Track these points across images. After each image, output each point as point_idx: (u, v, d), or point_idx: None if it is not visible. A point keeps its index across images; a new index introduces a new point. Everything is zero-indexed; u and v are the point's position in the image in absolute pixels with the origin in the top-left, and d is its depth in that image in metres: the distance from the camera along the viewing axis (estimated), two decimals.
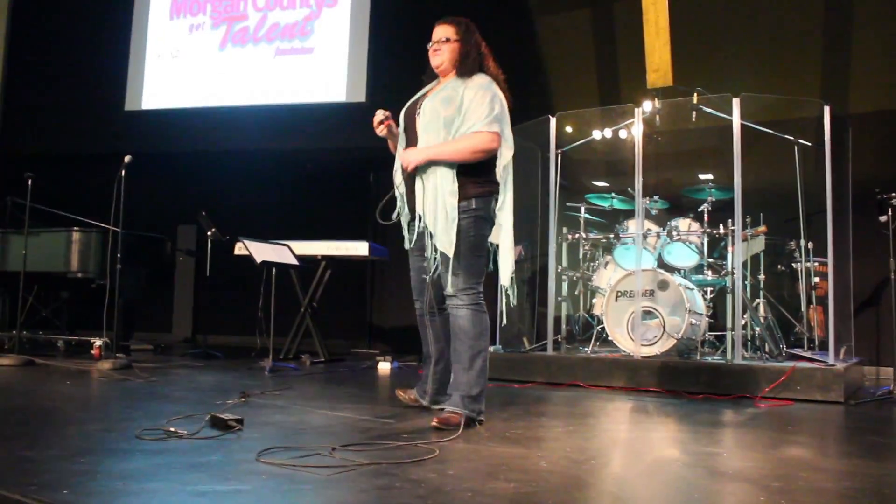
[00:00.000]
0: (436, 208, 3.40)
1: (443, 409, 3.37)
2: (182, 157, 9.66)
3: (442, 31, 3.62)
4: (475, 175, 3.41)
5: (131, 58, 9.84)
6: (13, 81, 10.24)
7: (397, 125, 3.71)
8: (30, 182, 5.88)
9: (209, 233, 7.29)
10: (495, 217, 3.48)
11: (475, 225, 3.39)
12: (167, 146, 9.50)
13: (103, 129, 9.63)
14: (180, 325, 10.43)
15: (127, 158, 5.72)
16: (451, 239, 3.34)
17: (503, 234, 3.52)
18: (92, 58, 9.79)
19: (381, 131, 3.67)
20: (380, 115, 3.66)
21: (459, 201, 3.36)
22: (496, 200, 3.50)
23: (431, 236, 3.45)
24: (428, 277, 3.60)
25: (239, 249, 6.62)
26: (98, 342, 5.91)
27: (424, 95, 3.66)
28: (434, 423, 3.22)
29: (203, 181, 9.84)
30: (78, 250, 6.39)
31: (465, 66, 3.53)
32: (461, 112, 3.42)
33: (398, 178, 3.67)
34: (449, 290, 3.39)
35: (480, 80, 3.49)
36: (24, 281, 5.94)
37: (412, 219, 3.60)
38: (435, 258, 3.49)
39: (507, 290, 3.66)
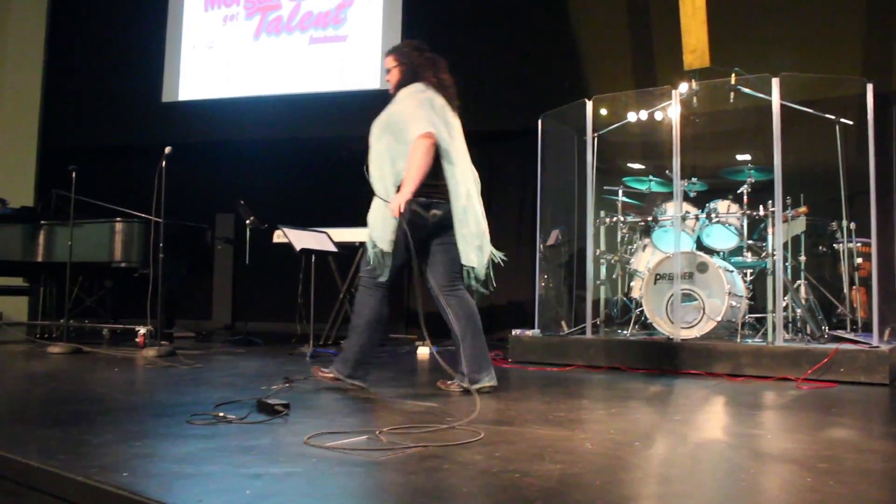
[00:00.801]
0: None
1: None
2: (219, 147, 9.78)
3: (387, 63, 4.10)
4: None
5: (167, 50, 9.97)
6: (54, 78, 10.42)
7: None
8: (73, 175, 6.01)
9: (248, 221, 7.37)
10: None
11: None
12: (204, 136, 9.62)
13: (142, 122, 9.78)
14: (220, 312, 10.58)
15: (167, 149, 5.80)
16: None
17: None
18: (129, 51, 9.94)
19: None
20: None
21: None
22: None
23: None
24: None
25: (278, 237, 6.70)
26: (142, 330, 6.02)
27: None
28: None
29: (240, 170, 9.96)
30: (121, 240, 6.50)
31: (400, 86, 3.96)
32: (391, 129, 3.85)
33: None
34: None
35: (401, 95, 3.90)
36: (69, 271, 6.07)
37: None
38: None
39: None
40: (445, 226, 3.83)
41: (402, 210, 3.65)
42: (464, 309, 3.86)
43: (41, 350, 5.90)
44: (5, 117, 10.38)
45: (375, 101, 8.82)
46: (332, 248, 6.43)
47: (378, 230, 3.83)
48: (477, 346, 3.83)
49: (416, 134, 3.67)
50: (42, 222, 6.71)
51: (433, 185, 3.76)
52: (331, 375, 3.91)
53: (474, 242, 3.85)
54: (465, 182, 3.83)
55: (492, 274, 4.00)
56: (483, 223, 3.91)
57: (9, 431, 2.70)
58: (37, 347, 6.21)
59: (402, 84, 3.97)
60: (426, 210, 3.77)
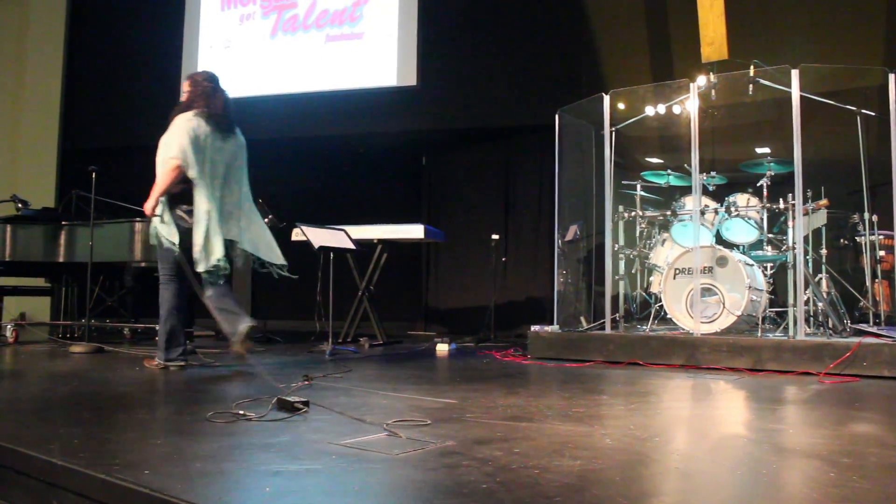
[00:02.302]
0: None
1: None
2: None
3: (183, 87, 4.93)
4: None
5: (184, 50, 10.02)
6: (73, 81, 10.52)
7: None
8: (94, 175, 6.05)
9: (266, 219, 7.39)
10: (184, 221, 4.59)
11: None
12: None
13: (161, 122, 9.77)
14: None
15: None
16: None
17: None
18: (147, 52, 10.00)
19: None
20: None
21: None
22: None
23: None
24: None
25: (296, 235, 6.72)
26: None
27: None
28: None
29: (258, 169, 9.92)
30: (141, 240, 6.53)
31: (178, 111, 4.75)
32: (161, 147, 4.62)
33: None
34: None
35: (175, 120, 4.67)
36: (90, 271, 6.12)
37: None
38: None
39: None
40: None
41: (152, 212, 4.54)
42: (181, 297, 4.75)
43: (63, 350, 5.96)
44: (27, 120, 10.50)
45: (392, 98, 8.98)
46: (351, 246, 6.44)
47: (164, 232, 4.59)
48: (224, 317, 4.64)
49: (168, 156, 4.50)
50: (63, 223, 6.77)
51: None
52: (155, 363, 4.71)
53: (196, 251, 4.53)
54: (203, 204, 4.55)
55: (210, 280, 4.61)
56: (212, 240, 4.54)
57: (32, 430, 2.72)
58: (59, 347, 6.27)
59: (180, 110, 4.74)
60: (189, 216, 4.60)
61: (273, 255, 5.00)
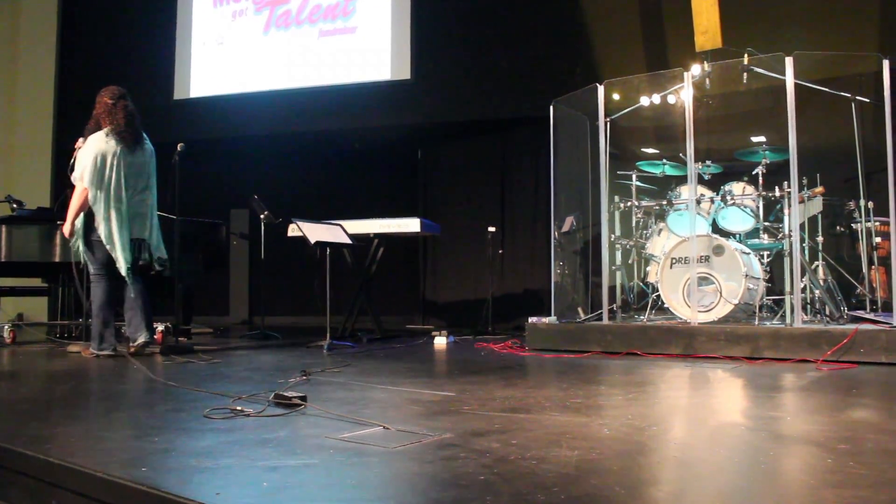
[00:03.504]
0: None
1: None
2: (232, 143, 9.82)
3: (96, 104, 5.27)
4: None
5: (177, 48, 10.00)
6: (66, 80, 10.48)
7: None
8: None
9: (262, 216, 7.40)
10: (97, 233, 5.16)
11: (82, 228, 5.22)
12: (217, 132, 9.66)
13: (155, 120, 9.75)
14: (237, 307, 10.65)
15: (180, 146, 5.80)
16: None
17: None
18: (139, 50, 9.98)
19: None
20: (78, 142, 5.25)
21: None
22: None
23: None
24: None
25: (292, 231, 6.72)
26: (160, 327, 6.06)
27: None
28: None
29: (253, 165, 10.00)
30: None
31: (90, 131, 5.26)
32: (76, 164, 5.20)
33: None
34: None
35: (88, 140, 5.19)
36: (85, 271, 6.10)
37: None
38: None
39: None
40: None
41: (70, 234, 5.23)
42: (110, 293, 5.27)
43: (61, 349, 5.95)
44: (20, 120, 10.48)
45: (387, 92, 8.97)
46: (347, 241, 6.44)
47: (83, 250, 5.24)
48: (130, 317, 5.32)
49: (78, 180, 5.12)
50: (58, 222, 6.74)
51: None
52: (88, 352, 5.24)
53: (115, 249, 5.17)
54: (106, 209, 5.14)
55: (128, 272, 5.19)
56: (115, 235, 5.15)
57: (30, 429, 2.72)
58: (56, 347, 6.26)
59: (90, 130, 5.24)
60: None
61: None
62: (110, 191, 5.14)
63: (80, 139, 5.27)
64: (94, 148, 5.14)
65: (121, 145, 5.19)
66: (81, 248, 5.22)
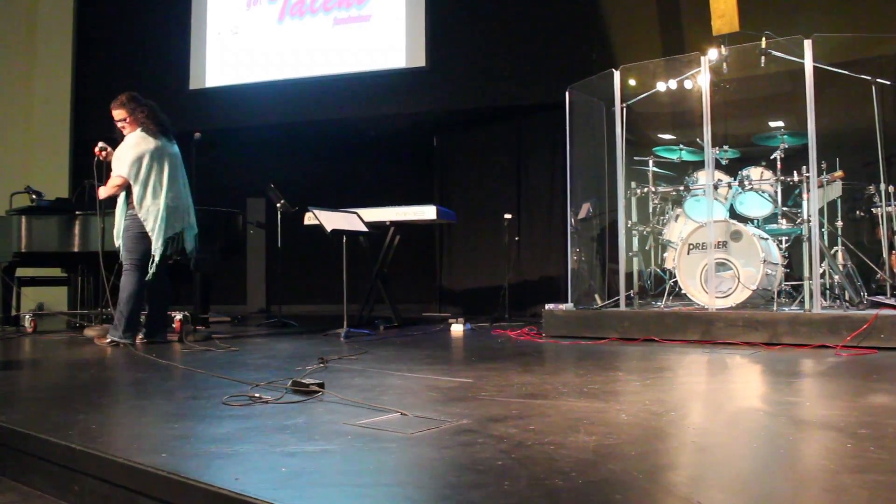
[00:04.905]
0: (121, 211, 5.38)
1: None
2: (247, 132, 9.84)
3: (118, 115, 5.35)
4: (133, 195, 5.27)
5: (193, 38, 10.02)
6: (83, 71, 10.54)
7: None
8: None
9: (278, 204, 7.42)
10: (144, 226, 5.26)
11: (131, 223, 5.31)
12: (233, 121, 9.68)
13: (171, 110, 9.78)
14: (254, 296, 10.70)
15: (196, 136, 5.84)
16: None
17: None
18: (155, 40, 10.01)
19: (102, 157, 5.37)
20: (99, 146, 5.39)
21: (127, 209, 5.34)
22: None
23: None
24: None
25: (308, 219, 6.73)
26: (178, 316, 6.10)
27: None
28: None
29: (269, 154, 10.02)
30: None
31: (136, 128, 5.34)
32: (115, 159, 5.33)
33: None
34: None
35: (127, 138, 5.31)
36: (103, 260, 6.14)
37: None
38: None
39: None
40: None
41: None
42: (141, 284, 5.29)
43: (81, 338, 6.00)
44: (38, 112, 10.55)
45: (402, 80, 8.95)
46: (363, 229, 6.44)
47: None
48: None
49: (117, 172, 5.22)
50: (77, 213, 6.79)
51: None
52: (104, 340, 5.27)
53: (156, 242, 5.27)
54: (155, 202, 5.28)
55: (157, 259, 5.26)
56: (158, 229, 5.25)
57: (52, 417, 2.75)
58: (77, 335, 6.32)
59: (135, 128, 5.32)
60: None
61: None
62: (156, 185, 5.25)
63: (100, 144, 5.38)
64: (136, 145, 5.24)
65: (160, 139, 5.30)
66: (121, 240, 5.29)
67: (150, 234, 5.22)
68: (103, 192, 5.31)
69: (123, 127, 5.35)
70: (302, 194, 7.60)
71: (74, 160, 10.36)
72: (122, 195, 5.33)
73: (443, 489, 1.86)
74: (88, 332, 5.83)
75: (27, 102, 10.59)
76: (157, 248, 5.21)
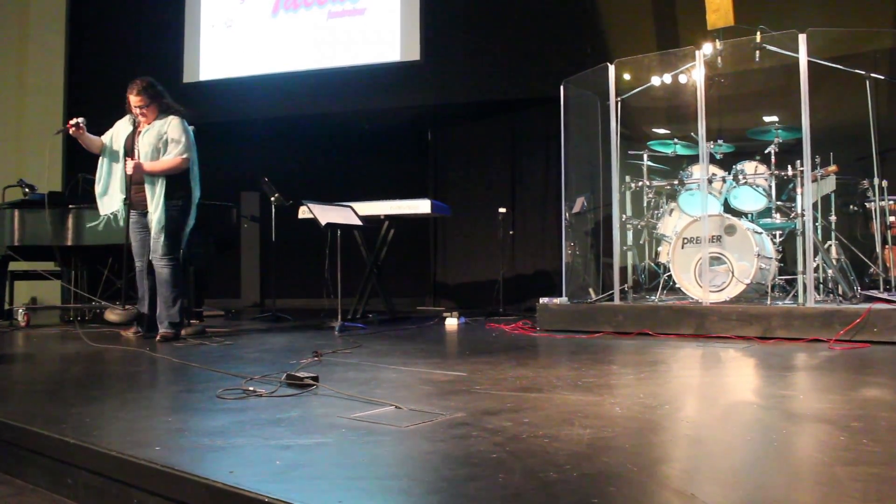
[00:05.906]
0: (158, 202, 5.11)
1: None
2: (241, 125, 9.80)
3: (136, 101, 5.19)
4: (177, 183, 5.19)
5: (186, 31, 9.98)
6: (76, 64, 10.49)
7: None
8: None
9: (272, 198, 7.40)
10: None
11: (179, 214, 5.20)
12: (227, 115, 9.64)
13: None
14: (249, 290, 10.68)
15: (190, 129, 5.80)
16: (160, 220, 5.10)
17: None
18: (149, 33, 9.97)
19: (72, 132, 5.13)
20: (76, 121, 5.14)
21: (168, 199, 5.13)
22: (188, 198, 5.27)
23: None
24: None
25: (303, 213, 6.72)
26: None
27: (136, 132, 5.28)
28: (158, 339, 5.09)
29: (263, 148, 9.98)
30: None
31: (160, 114, 5.25)
32: (166, 142, 5.16)
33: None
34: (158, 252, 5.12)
35: (174, 121, 5.20)
36: (97, 254, 6.12)
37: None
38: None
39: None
40: None
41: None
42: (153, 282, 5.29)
43: (74, 332, 5.99)
44: (31, 104, 10.49)
45: (396, 74, 8.92)
46: (358, 223, 6.43)
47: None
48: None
49: (179, 154, 5.15)
50: (70, 206, 6.76)
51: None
52: (131, 331, 5.36)
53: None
54: (196, 192, 5.38)
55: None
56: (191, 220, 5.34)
57: (46, 410, 2.74)
58: (70, 329, 6.30)
59: (158, 115, 5.23)
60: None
61: None
62: (199, 174, 5.35)
63: (81, 120, 5.17)
64: (187, 129, 5.24)
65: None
66: (163, 233, 5.08)
67: (189, 222, 5.27)
68: (153, 166, 5.09)
69: (143, 113, 5.18)
70: (296, 188, 7.59)
71: (67, 154, 10.29)
72: (160, 185, 5.10)
73: (437, 482, 1.86)
74: (110, 317, 5.88)
75: (20, 95, 10.54)
76: (185, 238, 5.27)
